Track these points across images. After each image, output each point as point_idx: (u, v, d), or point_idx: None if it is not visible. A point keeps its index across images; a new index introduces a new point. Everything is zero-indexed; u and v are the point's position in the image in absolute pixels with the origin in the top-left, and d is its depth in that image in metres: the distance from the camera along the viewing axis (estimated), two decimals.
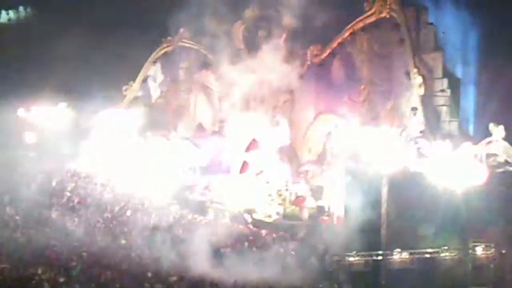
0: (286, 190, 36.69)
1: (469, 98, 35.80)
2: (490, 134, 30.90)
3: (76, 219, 31.47)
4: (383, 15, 36.11)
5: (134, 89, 52.21)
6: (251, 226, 32.93)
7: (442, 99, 34.05)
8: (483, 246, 27.65)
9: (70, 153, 44.83)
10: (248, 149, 37.33)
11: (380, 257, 27.31)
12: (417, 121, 34.13)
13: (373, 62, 36.73)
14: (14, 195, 33.11)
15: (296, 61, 41.70)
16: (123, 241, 28.97)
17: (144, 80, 52.34)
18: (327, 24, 38.24)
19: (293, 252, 28.18)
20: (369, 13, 36.90)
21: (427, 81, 34.18)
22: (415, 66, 34.40)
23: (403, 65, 35.28)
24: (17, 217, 30.93)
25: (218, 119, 46.01)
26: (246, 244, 29.34)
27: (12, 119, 47.37)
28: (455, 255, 27.53)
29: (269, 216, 34.25)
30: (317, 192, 35.70)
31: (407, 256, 27.32)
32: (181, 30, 48.88)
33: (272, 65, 41.50)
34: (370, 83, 37.13)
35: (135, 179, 38.93)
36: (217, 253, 27.37)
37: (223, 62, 42.35)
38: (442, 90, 33.96)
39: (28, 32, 56.12)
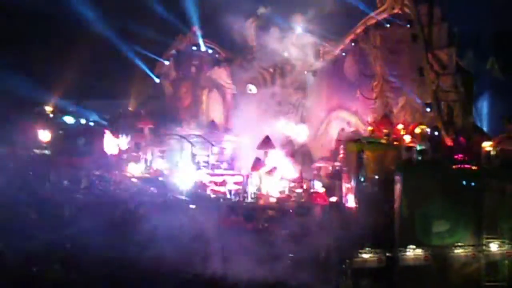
0: (300, 186, 36.56)
1: (483, 94, 35.60)
2: (504, 130, 30.76)
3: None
4: (395, 10, 35.98)
5: None
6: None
7: (455, 95, 33.82)
8: (497, 242, 27.57)
9: None
10: (260, 146, 37.17)
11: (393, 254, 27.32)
12: (431, 117, 33.99)
13: (386, 58, 36.58)
14: None
15: (309, 57, 41.82)
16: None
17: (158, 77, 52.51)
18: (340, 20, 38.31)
19: (305, 248, 28.13)
20: (382, 8, 36.78)
21: (440, 77, 34.00)
22: (428, 62, 34.20)
23: (416, 61, 35.09)
24: None
25: (231, 116, 46.01)
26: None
27: None
28: (469, 251, 27.47)
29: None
30: (330, 188, 35.59)
31: (420, 253, 27.29)
32: (194, 27, 48.93)
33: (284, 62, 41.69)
34: (382, 79, 37.00)
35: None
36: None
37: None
38: (456, 86, 33.73)
39: None
